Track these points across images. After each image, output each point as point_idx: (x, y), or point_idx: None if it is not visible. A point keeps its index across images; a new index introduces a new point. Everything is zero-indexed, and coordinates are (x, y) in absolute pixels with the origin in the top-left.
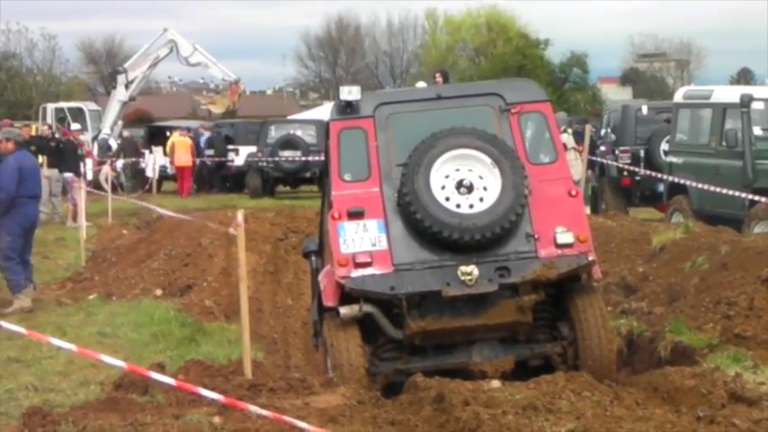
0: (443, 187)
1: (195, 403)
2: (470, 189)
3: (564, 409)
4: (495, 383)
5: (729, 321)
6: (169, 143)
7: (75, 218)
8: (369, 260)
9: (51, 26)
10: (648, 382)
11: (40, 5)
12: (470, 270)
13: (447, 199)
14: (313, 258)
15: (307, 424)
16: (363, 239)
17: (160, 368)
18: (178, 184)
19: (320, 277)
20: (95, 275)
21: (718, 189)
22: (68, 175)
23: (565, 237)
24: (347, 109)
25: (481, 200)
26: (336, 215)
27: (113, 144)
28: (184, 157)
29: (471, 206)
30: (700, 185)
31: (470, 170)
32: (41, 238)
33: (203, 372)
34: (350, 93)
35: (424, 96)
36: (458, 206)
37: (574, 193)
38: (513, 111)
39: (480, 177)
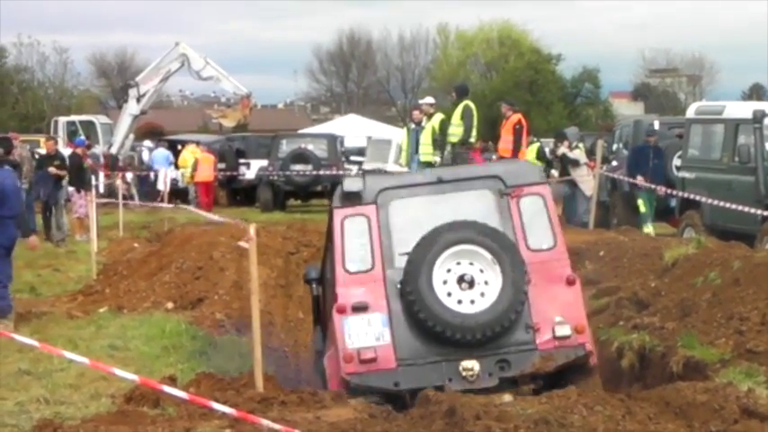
0: (445, 282)
1: (206, 416)
2: (471, 284)
3: (576, 423)
4: (507, 398)
5: (742, 336)
6: (186, 158)
7: (81, 231)
8: (373, 356)
9: (63, 39)
10: (660, 397)
11: (52, 18)
12: (472, 366)
13: (449, 294)
14: (314, 286)
15: None
16: (368, 334)
17: (171, 381)
18: (200, 199)
19: (325, 361)
20: (106, 288)
21: (730, 204)
22: (71, 189)
23: (563, 329)
24: (350, 195)
25: (482, 295)
26: (341, 309)
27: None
28: (207, 173)
29: (473, 302)
30: (712, 201)
31: (471, 263)
32: (52, 251)
33: (214, 385)
34: (353, 184)
35: (426, 180)
36: (459, 302)
37: (572, 279)
38: (512, 194)
39: (481, 271)
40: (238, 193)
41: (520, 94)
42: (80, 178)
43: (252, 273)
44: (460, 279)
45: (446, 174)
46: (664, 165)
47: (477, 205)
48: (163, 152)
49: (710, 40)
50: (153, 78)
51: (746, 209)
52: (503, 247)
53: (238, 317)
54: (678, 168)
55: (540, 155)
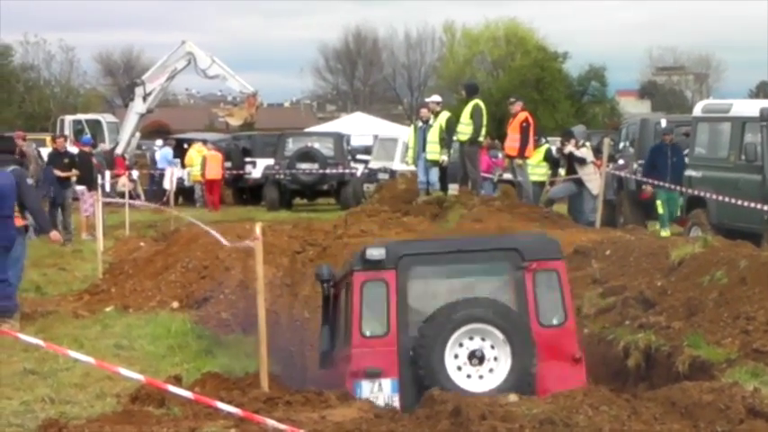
0: (456, 356)
1: (212, 416)
2: (482, 360)
3: (581, 423)
4: (513, 398)
5: (748, 336)
6: (193, 156)
7: (88, 230)
8: None
9: (69, 38)
10: (666, 397)
11: (58, 17)
12: None
13: (459, 368)
14: (325, 285)
15: None
16: (378, 398)
17: (177, 381)
18: (207, 197)
19: None
20: (112, 288)
21: (737, 202)
22: (81, 187)
23: None
24: (372, 262)
25: (491, 371)
26: (355, 374)
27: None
28: (216, 171)
29: (481, 377)
30: (719, 198)
31: (483, 339)
32: (58, 250)
33: (220, 385)
34: (376, 252)
35: (447, 249)
36: (468, 377)
37: (578, 357)
38: (529, 268)
39: (492, 347)
40: (244, 192)
41: (526, 92)
42: (89, 177)
43: (258, 272)
44: (471, 355)
45: (466, 244)
46: (683, 162)
47: (493, 278)
48: (167, 151)
49: (717, 38)
50: (159, 77)
51: (753, 205)
52: (515, 327)
53: (244, 316)
54: (685, 167)
55: (548, 156)
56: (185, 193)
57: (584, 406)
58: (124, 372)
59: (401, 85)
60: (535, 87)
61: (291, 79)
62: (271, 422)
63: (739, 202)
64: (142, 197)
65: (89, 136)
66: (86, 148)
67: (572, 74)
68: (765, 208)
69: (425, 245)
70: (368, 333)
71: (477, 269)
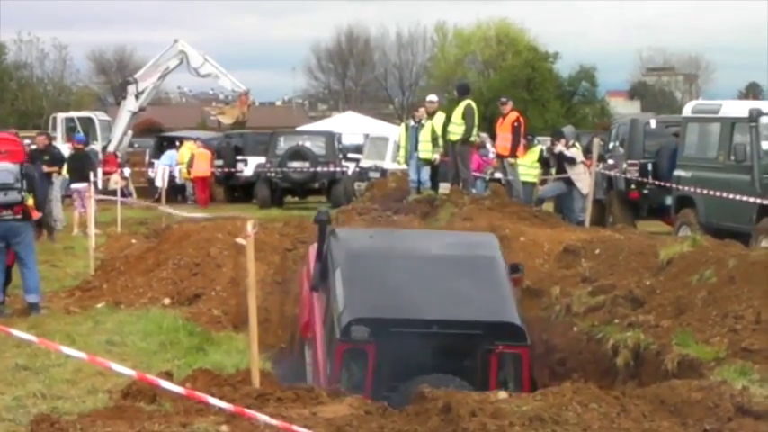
0: None
1: (203, 412)
2: None
3: (571, 420)
4: (502, 394)
5: (736, 335)
6: (185, 154)
7: (80, 226)
8: None
9: (62, 36)
10: (655, 395)
11: (51, 15)
12: None
13: None
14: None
15: None
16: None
17: (168, 377)
18: (197, 195)
19: None
20: (104, 284)
21: (726, 197)
22: (83, 186)
23: None
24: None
25: None
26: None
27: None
28: (203, 168)
29: None
30: (708, 193)
31: None
32: (50, 246)
33: (211, 381)
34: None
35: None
36: None
37: None
38: (495, 351)
39: None
40: (236, 190)
41: (517, 92)
42: (84, 174)
43: (249, 269)
44: None
45: (440, 319)
46: None
47: (461, 355)
48: (173, 153)
49: (707, 39)
50: (152, 75)
51: (742, 198)
52: None
53: (235, 313)
54: (674, 167)
55: (542, 157)
56: (177, 191)
57: (574, 403)
58: (116, 367)
59: (392, 84)
60: (526, 87)
61: (283, 78)
62: (262, 418)
63: (731, 196)
64: (134, 194)
65: (82, 134)
66: (80, 146)
67: (562, 74)
68: (753, 200)
69: (402, 320)
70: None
71: (449, 346)
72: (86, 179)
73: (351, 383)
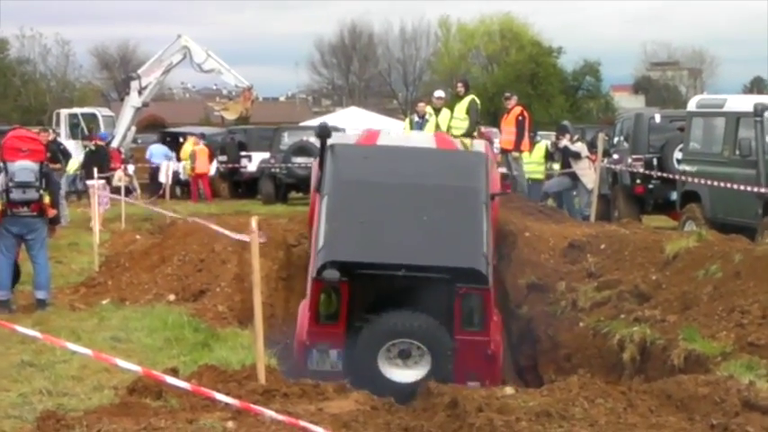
0: (389, 350)
1: (209, 408)
2: (409, 355)
3: (577, 416)
4: (509, 390)
5: (743, 330)
6: (188, 150)
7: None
8: (327, 377)
9: (65, 32)
10: (662, 390)
11: (54, 11)
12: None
13: (389, 359)
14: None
15: (321, 429)
16: (325, 363)
17: (174, 373)
18: (195, 190)
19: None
20: (109, 280)
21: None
22: (101, 182)
23: (473, 385)
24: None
25: (416, 363)
26: (308, 344)
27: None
28: (204, 164)
29: (407, 366)
30: (714, 185)
31: (412, 343)
32: (54, 242)
33: (217, 377)
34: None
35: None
36: (397, 365)
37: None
38: (459, 292)
39: (418, 348)
40: (240, 186)
41: (521, 87)
42: (105, 171)
43: (254, 265)
44: (400, 353)
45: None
46: None
47: (431, 295)
48: (159, 148)
49: (712, 33)
50: (155, 71)
51: (746, 188)
52: (438, 343)
53: (240, 309)
54: (679, 161)
55: (548, 154)
56: (182, 187)
57: (580, 398)
58: (121, 363)
59: (396, 79)
60: (530, 82)
61: (287, 73)
62: (268, 413)
63: (735, 187)
64: (138, 191)
65: (106, 132)
66: (102, 143)
67: (567, 69)
68: (759, 191)
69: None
70: (322, 321)
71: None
72: (106, 176)
73: (327, 313)
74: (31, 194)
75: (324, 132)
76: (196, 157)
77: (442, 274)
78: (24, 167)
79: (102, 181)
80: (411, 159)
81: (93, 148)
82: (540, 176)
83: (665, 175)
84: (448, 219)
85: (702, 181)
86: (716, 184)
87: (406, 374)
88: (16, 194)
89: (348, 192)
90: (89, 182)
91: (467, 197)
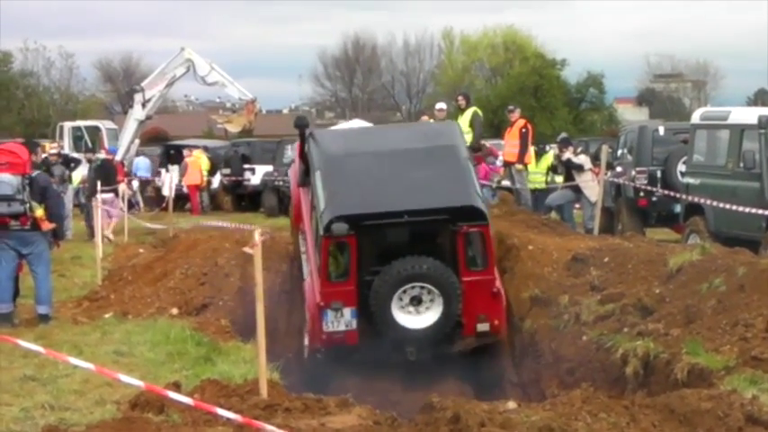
0: (401, 298)
1: (211, 423)
2: (420, 302)
3: (580, 430)
4: (511, 404)
5: (746, 343)
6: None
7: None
8: (342, 337)
9: (69, 45)
10: (665, 404)
11: (57, 24)
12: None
13: (402, 308)
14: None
15: None
16: (340, 323)
17: (176, 387)
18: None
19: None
20: (111, 294)
21: (735, 207)
22: (110, 195)
23: (483, 326)
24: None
25: (427, 308)
26: (323, 305)
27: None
28: (196, 177)
29: (419, 312)
30: (717, 204)
31: (423, 287)
32: (58, 256)
33: (219, 391)
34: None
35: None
36: (409, 312)
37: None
38: (460, 231)
39: (429, 293)
40: (243, 199)
41: (524, 100)
42: (113, 184)
43: (257, 279)
44: (412, 299)
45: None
46: None
47: (433, 236)
48: (142, 160)
49: (715, 45)
50: (158, 83)
51: (751, 210)
52: (447, 283)
53: (243, 323)
54: (683, 174)
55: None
56: (184, 200)
57: (583, 413)
58: (124, 378)
59: (400, 92)
60: (533, 94)
61: (290, 86)
62: (270, 428)
63: (738, 209)
64: (141, 204)
65: (115, 146)
66: (110, 156)
67: (570, 81)
68: (763, 212)
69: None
70: (333, 279)
71: (421, 232)
72: (114, 189)
73: (337, 271)
74: (16, 207)
75: (302, 122)
76: (187, 169)
77: (442, 216)
78: (2, 181)
79: (112, 194)
80: (389, 134)
81: (99, 162)
82: (544, 186)
83: (666, 192)
84: (439, 171)
85: (705, 195)
86: (720, 197)
87: (419, 320)
88: (1, 208)
89: (340, 163)
90: (103, 195)
91: (452, 153)
